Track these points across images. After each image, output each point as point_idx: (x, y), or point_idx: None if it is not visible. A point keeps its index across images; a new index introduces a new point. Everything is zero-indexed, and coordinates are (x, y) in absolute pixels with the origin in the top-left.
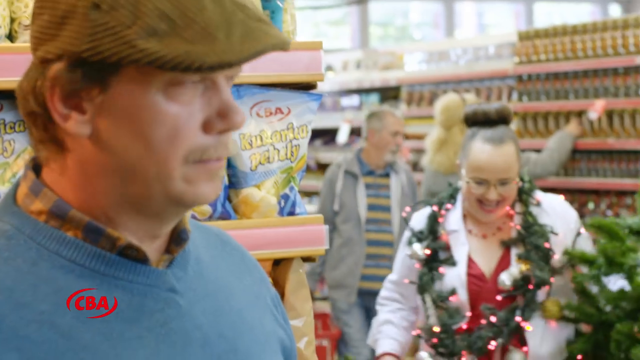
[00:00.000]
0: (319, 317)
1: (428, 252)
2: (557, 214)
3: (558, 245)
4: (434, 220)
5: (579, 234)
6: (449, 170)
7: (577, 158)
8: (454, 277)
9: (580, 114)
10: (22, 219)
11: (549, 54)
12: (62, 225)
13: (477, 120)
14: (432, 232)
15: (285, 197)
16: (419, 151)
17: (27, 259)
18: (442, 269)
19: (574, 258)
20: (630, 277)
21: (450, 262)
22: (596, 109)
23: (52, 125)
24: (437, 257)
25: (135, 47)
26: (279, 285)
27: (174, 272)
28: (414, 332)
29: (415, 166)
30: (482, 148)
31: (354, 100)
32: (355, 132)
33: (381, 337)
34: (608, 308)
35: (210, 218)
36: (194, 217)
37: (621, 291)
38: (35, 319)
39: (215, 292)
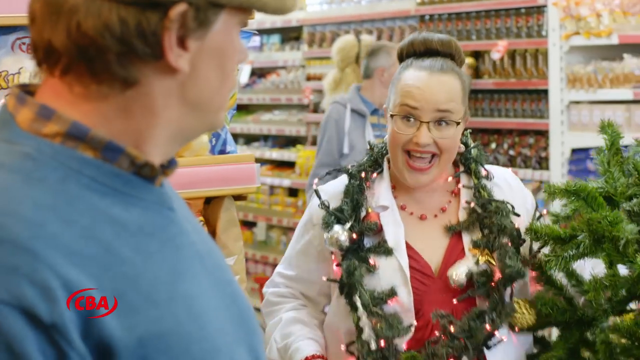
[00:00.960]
0: None
1: (354, 236)
2: (512, 190)
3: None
4: (357, 192)
5: (540, 216)
6: None
7: (479, 98)
8: (391, 272)
9: (483, 54)
10: (38, 142)
11: None
12: (78, 146)
13: (414, 52)
14: (355, 209)
15: (217, 136)
16: (321, 92)
17: (56, 178)
18: (372, 260)
19: (541, 236)
20: (622, 256)
21: (383, 249)
22: (499, 49)
23: (135, 62)
24: (362, 244)
25: None
26: (210, 224)
27: (166, 192)
28: (342, 347)
29: (317, 107)
30: (415, 74)
31: (255, 40)
32: (255, 73)
33: (295, 340)
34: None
35: None
36: None
37: (611, 275)
38: (82, 234)
39: (186, 213)
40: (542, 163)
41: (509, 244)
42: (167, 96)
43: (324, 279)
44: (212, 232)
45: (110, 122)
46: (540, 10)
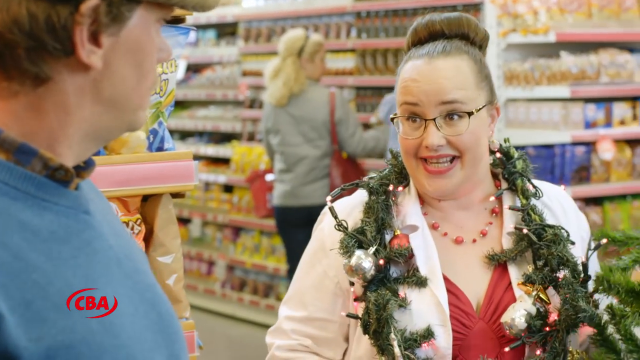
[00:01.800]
0: None
1: (382, 262)
2: (566, 213)
3: None
4: (383, 210)
5: (597, 246)
6: (279, 103)
7: None
8: (426, 308)
9: None
10: None
11: None
12: None
13: (420, 40)
14: (379, 230)
15: (154, 133)
16: (257, 88)
17: None
18: (402, 292)
19: (614, 286)
20: None
21: (415, 280)
22: None
23: (45, 58)
24: (388, 274)
25: None
26: (148, 222)
27: (82, 195)
28: None
29: (253, 103)
30: (412, 65)
31: (190, 36)
32: (190, 68)
33: None
34: None
35: None
36: None
37: None
38: None
39: (104, 215)
40: None
41: (573, 281)
42: (80, 94)
43: (343, 314)
44: (150, 230)
45: (22, 121)
46: (477, 7)
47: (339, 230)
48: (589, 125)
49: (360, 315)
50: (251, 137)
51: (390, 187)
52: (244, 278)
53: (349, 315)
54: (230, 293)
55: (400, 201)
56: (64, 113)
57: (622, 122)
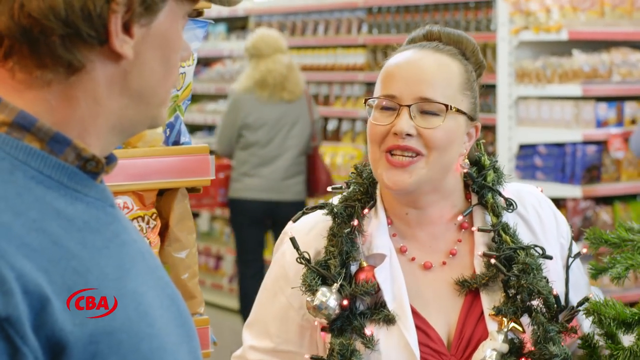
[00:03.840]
0: None
1: (345, 302)
2: (542, 223)
3: (551, 279)
4: (346, 242)
5: (577, 254)
6: (270, 99)
7: None
8: (394, 350)
9: None
10: None
11: None
12: (24, 136)
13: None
14: (344, 262)
15: (171, 126)
16: None
17: (4, 169)
18: (369, 330)
19: (605, 320)
20: None
21: (383, 316)
22: None
23: (79, 47)
24: (354, 308)
25: None
26: (163, 217)
27: (108, 188)
28: None
29: None
30: (399, 52)
31: None
32: (200, 62)
33: None
34: None
35: None
36: None
37: None
38: (32, 226)
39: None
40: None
41: (544, 316)
42: (110, 84)
43: (307, 357)
44: (165, 225)
45: (54, 110)
46: (489, 4)
47: (301, 263)
48: (600, 124)
49: (325, 357)
50: None
51: (355, 222)
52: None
53: (313, 358)
54: (238, 288)
55: (366, 225)
56: (94, 103)
57: (634, 121)
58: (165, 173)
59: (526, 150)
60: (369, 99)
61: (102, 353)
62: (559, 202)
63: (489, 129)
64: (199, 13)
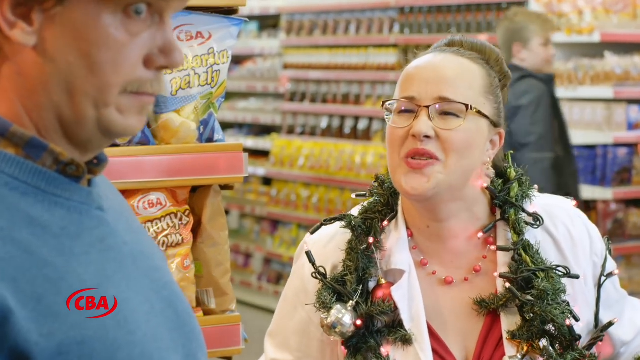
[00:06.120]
0: None
1: (359, 322)
2: (573, 240)
3: (577, 299)
4: (363, 258)
5: (608, 275)
6: None
7: None
8: None
9: None
10: None
11: None
12: None
13: None
14: (360, 278)
15: (205, 123)
16: (298, 81)
17: None
18: (385, 350)
19: None
20: None
21: (400, 336)
22: None
23: None
24: (371, 326)
25: None
26: (196, 214)
27: (96, 191)
28: None
29: (294, 96)
30: (420, 57)
31: None
32: (232, 60)
33: None
34: None
35: (129, 143)
36: (113, 142)
37: None
38: None
39: (121, 212)
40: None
41: (555, 348)
42: (29, 76)
43: None
44: (198, 222)
45: (10, 107)
46: (522, 5)
47: (316, 278)
48: (632, 126)
49: None
50: (291, 130)
51: (370, 240)
52: (280, 271)
53: None
54: (267, 286)
55: (385, 238)
56: (22, 95)
57: None
58: (199, 170)
59: None
60: (387, 101)
61: None
62: (589, 205)
63: None
64: (234, 11)
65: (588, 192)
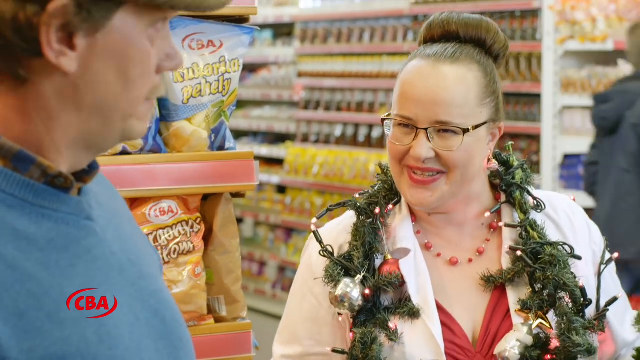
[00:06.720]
0: None
1: (367, 291)
2: (573, 226)
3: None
4: (370, 234)
5: (608, 260)
6: None
7: None
8: (418, 343)
9: None
10: None
11: None
12: None
13: (433, 37)
14: (367, 256)
15: (216, 132)
16: (313, 89)
17: None
18: (393, 324)
19: None
20: None
21: (407, 310)
22: None
23: (19, 58)
24: (378, 302)
25: None
26: (207, 221)
27: (86, 200)
28: None
29: (308, 104)
30: (415, 65)
31: None
32: (246, 68)
33: None
34: None
35: (141, 151)
36: (124, 150)
37: None
38: None
39: (112, 219)
40: (533, 167)
41: (570, 308)
42: (61, 98)
43: (328, 349)
44: (209, 230)
45: (11, 124)
46: (535, 13)
47: (324, 256)
48: None
49: (347, 350)
50: (305, 138)
51: (377, 210)
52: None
53: (334, 351)
54: (281, 294)
55: (390, 221)
56: (47, 117)
57: None
58: (210, 178)
59: (570, 160)
60: (385, 118)
61: None
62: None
63: (534, 139)
64: (245, 20)
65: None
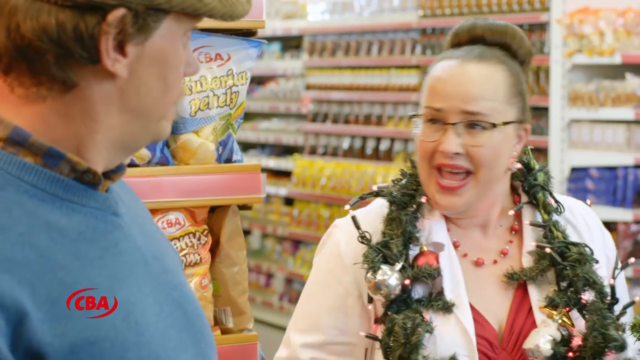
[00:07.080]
0: None
1: (407, 282)
2: (590, 231)
3: None
4: (410, 223)
5: (624, 265)
6: None
7: None
8: (451, 336)
9: None
10: None
11: (454, 8)
12: (19, 151)
13: (459, 43)
14: (406, 245)
15: (223, 144)
16: (321, 101)
17: None
18: (426, 316)
19: None
20: None
21: (441, 304)
22: None
23: (70, 65)
24: (410, 294)
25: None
26: (214, 233)
27: (112, 197)
28: None
29: (316, 116)
30: (443, 65)
31: None
32: (254, 81)
33: None
34: None
35: (149, 163)
36: (132, 162)
37: None
38: (17, 240)
39: (136, 217)
40: None
41: (601, 306)
42: (106, 102)
43: (362, 334)
44: (216, 241)
45: (51, 126)
46: (543, 27)
47: (362, 242)
48: None
49: (380, 338)
50: (313, 151)
51: (424, 200)
52: (301, 292)
53: (369, 337)
54: (288, 306)
55: (426, 215)
56: (90, 120)
57: None
58: (217, 190)
59: (578, 174)
60: (415, 116)
61: None
62: (609, 226)
63: (541, 152)
64: (253, 33)
65: (608, 213)
